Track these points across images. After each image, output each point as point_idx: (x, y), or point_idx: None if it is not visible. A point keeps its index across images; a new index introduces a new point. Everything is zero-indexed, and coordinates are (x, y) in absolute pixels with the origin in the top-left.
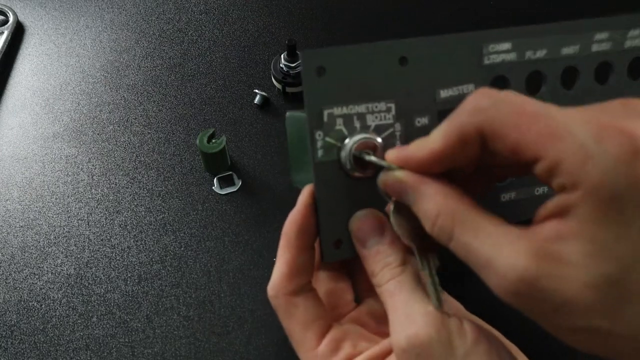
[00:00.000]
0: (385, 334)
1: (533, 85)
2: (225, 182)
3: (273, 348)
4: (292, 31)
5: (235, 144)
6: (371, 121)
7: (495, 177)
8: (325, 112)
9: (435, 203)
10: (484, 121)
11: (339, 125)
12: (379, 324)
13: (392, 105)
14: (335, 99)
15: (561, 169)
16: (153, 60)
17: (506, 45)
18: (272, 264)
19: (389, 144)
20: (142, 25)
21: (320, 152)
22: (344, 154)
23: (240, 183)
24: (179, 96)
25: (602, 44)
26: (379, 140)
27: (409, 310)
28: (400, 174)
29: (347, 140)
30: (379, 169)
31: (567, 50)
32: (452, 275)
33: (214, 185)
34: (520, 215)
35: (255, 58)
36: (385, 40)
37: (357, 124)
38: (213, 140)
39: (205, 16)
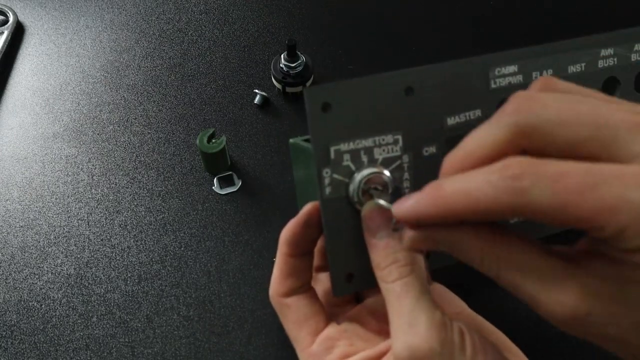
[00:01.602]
0: (384, 332)
1: None
2: (225, 182)
3: (273, 348)
4: (292, 31)
5: (235, 144)
6: (378, 154)
7: None
8: (332, 149)
9: (476, 250)
10: (525, 205)
11: (346, 161)
12: (379, 322)
13: (399, 137)
14: (341, 135)
15: (624, 236)
16: (153, 60)
17: (512, 68)
18: (272, 264)
19: (397, 176)
20: (142, 25)
21: (327, 190)
22: (352, 188)
23: (240, 183)
24: (179, 96)
25: (608, 60)
26: (387, 173)
27: (414, 319)
28: (431, 232)
29: (354, 175)
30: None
31: (574, 69)
32: (457, 275)
33: (214, 185)
34: (532, 235)
35: (255, 58)
36: (390, 72)
37: (365, 159)
38: (213, 140)
39: (205, 16)
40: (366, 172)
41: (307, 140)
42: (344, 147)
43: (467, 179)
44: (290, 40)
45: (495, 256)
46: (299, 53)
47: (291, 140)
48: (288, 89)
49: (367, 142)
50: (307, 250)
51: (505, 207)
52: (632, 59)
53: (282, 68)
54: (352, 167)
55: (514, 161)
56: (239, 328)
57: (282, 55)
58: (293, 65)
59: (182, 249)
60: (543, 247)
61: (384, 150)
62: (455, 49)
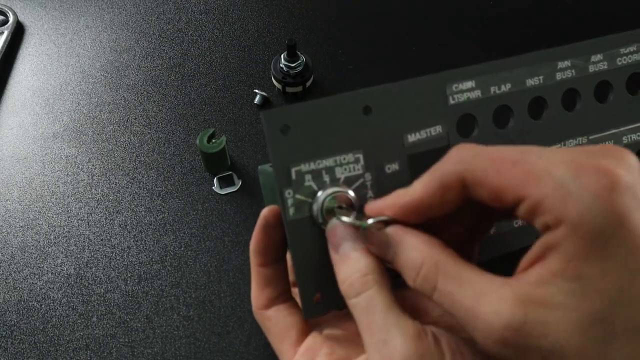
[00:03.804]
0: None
1: (501, 119)
2: (225, 182)
3: (273, 348)
4: (292, 31)
5: (235, 144)
6: (340, 174)
7: (478, 230)
8: (293, 170)
9: (419, 252)
10: (465, 170)
11: (308, 181)
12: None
13: (360, 156)
14: (302, 155)
15: (543, 207)
16: (153, 60)
17: (469, 84)
18: None
19: (360, 194)
20: (142, 25)
21: (291, 211)
22: (315, 207)
23: (240, 183)
24: (179, 96)
25: (565, 72)
26: (350, 192)
27: (386, 335)
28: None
29: (317, 195)
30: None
31: (532, 82)
32: None
33: (214, 185)
34: (502, 249)
35: (255, 58)
36: (347, 92)
37: (327, 178)
38: (213, 140)
39: (205, 16)
40: (329, 191)
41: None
42: (304, 167)
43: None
44: (290, 40)
45: (435, 263)
46: (299, 53)
47: (260, 167)
48: (288, 89)
49: (328, 162)
50: (276, 257)
51: (451, 175)
52: (590, 70)
53: (282, 68)
54: (315, 186)
55: (459, 145)
56: (239, 328)
57: (282, 55)
58: (293, 65)
59: (182, 249)
60: (481, 268)
61: (345, 169)
62: (455, 48)
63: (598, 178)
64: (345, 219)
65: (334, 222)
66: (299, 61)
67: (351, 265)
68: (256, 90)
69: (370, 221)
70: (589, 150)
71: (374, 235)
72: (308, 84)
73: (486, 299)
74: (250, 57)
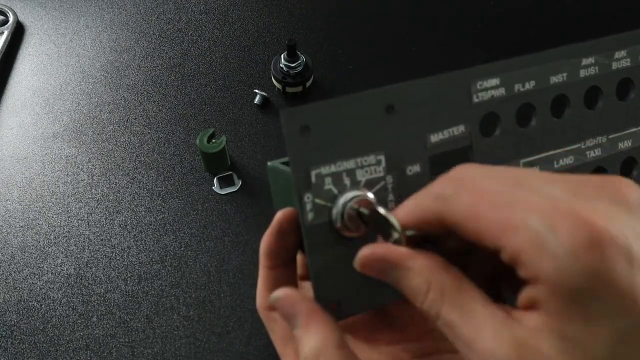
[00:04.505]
0: (373, 340)
1: (524, 117)
2: (225, 182)
3: (273, 348)
4: (292, 31)
5: (235, 144)
6: (361, 176)
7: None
8: (313, 173)
9: (424, 279)
10: (444, 211)
11: (328, 184)
12: (365, 331)
13: (382, 157)
14: (322, 158)
15: (521, 261)
16: (153, 60)
17: (494, 81)
18: None
19: (381, 197)
20: (142, 25)
21: (310, 215)
22: (335, 212)
23: (240, 183)
24: (179, 96)
25: (589, 69)
26: (371, 195)
27: None
28: (379, 248)
29: (337, 200)
30: (372, 227)
31: (556, 79)
32: None
33: (214, 185)
34: None
35: (255, 58)
36: (370, 90)
37: (347, 181)
38: (213, 140)
39: (205, 16)
40: (349, 195)
41: (285, 163)
42: (325, 170)
43: (408, 202)
44: (290, 40)
45: (441, 290)
46: (299, 53)
47: (269, 163)
48: (288, 89)
49: (349, 164)
50: (287, 260)
51: (431, 213)
52: (613, 67)
53: (282, 68)
54: (335, 190)
55: (445, 175)
56: (239, 328)
57: (282, 55)
58: (293, 65)
59: (182, 249)
60: (486, 295)
61: (366, 172)
62: (455, 48)
63: (576, 232)
64: (382, 210)
65: (275, 295)
66: (299, 61)
67: (301, 349)
68: (256, 90)
69: (395, 235)
70: (586, 184)
71: (371, 260)
72: (308, 84)
73: (485, 334)
74: (250, 57)
